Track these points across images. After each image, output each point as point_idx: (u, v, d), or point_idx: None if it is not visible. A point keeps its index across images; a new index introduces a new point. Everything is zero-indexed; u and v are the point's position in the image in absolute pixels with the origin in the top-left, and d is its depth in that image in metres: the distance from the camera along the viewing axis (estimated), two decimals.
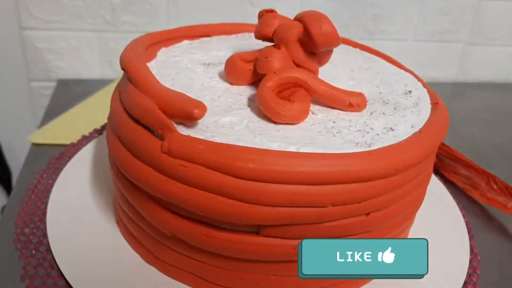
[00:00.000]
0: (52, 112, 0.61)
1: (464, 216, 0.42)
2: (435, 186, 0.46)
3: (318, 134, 0.29)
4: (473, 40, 0.81)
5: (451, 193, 0.46)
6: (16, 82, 0.68)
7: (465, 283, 0.34)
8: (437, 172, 0.51)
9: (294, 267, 0.26)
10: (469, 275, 0.35)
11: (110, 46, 0.69)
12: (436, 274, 0.34)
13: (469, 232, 0.40)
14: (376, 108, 0.33)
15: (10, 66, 0.67)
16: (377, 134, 0.30)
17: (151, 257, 0.33)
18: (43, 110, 0.65)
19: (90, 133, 0.50)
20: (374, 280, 0.33)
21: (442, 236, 0.38)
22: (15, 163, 0.72)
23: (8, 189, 0.73)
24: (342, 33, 0.74)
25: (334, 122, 0.31)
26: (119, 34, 0.69)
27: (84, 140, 0.49)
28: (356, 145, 0.28)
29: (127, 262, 0.33)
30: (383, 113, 0.32)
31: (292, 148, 0.27)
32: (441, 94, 0.80)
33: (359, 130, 0.30)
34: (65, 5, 0.65)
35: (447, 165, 0.51)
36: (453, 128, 0.65)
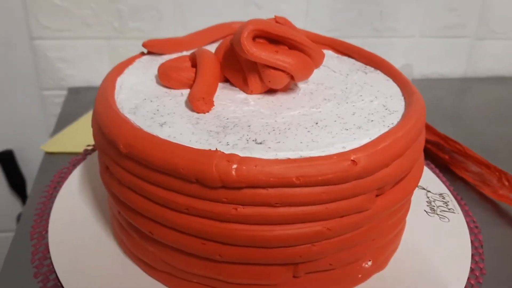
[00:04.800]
0: (64, 120, 0.62)
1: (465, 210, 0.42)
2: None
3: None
4: (481, 34, 0.80)
5: (462, 189, 0.46)
6: (28, 91, 0.69)
7: (468, 278, 0.34)
8: (447, 169, 0.51)
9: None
10: (471, 269, 0.35)
11: (119, 52, 0.70)
12: (439, 270, 0.35)
13: (469, 227, 0.40)
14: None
15: (21, 76, 0.68)
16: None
17: (148, 268, 0.34)
18: (55, 118, 0.66)
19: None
20: (370, 280, 0.34)
21: (441, 233, 0.39)
22: (29, 171, 0.73)
23: (23, 197, 0.74)
24: (349, 32, 0.75)
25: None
26: (127, 41, 0.70)
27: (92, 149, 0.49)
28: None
29: (126, 274, 0.34)
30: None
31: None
32: (449, 89, 0.81)
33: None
34: (73, 13, 0.66)
35: (458, 162, 0.51)
36: (462, 124, 0.66)
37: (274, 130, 0.30)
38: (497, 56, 0.83)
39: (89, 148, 0.49)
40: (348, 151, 0.28)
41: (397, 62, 0.74)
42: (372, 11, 0.75)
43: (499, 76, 0.85)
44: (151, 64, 0.40)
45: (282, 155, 0.27)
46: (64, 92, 0.70)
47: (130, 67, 0.39)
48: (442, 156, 0.53)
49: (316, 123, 0.31)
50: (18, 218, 0.71)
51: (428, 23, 0.78)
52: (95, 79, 0.71)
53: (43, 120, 0.71)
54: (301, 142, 0.29)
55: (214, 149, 0.27)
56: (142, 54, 0.42)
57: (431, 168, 0.48)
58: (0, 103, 0.68)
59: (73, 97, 0.69)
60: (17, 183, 0.73)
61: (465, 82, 0.82)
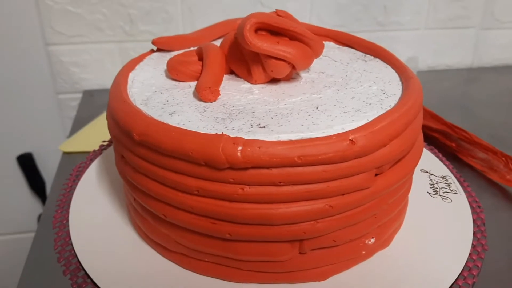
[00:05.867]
0: (79, 121, 0.64)
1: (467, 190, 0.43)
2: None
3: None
4: (486, 24, 0.81)
5: (469, 176, 0.47)
6: (44, 95, 0.72)
7: (470, 254, 0.36)
8: (455, 157, 0.52)
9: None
10: (473, 246, 0.36)
11: (131, 55, 0.72)
12: (441, 247, 0.36)
13: (472, 206, 0.41)
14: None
15: (38, 81, 0.70)
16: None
17: (163, 250, 0.36)
18: (71, 121, 0.69)
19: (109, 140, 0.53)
20: (374, 258, 0.35)
21: (443, 212, 0.40)
22: (48, 173, 0.75)
23: (43, 198, 0.76)
24: (353, 27, 0.76)
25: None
26: (138, 43, 0.72)
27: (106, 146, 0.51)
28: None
29: (142, 256, 0.36)
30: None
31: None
32: (456, 80, 0.81)
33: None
34: (85, 19, 0.68)
35: (465, 150, 0.52)
36: (470, 114, 0.66)
37: (276, 115, 0.32)
38: (503, 45, 0.83)
39: (105, 143, 0.51)
40: (346, 131, 0.29)
41: (402, 56, 0.76)
42: (376, 6, 0.76)
43: (505, 65, 0.85)
44: (161, 60, 0.42)
45: (284, 137, 0.29)
46: (79, 95, 0.73)
47: (141, 63, 0.41)
48: (449, 144, 0.54)
49: (317, 108, 0.33)
50: (39, 219, 0.74)
51: (432, 16, 0.79)
52: (109, 81, 0.74)
53: (59, 123, 0.74)
54: (302, 125, 0.30)
55: (221, 133, 0.29)
56: (152, 51, 0.44)
57: (434, 153, 0.49)
58: (18, 108, 0.70)
59: (88, 99, 0.71)
60: (37, 185, 0.76)
61: (472, 72, 0.83)
